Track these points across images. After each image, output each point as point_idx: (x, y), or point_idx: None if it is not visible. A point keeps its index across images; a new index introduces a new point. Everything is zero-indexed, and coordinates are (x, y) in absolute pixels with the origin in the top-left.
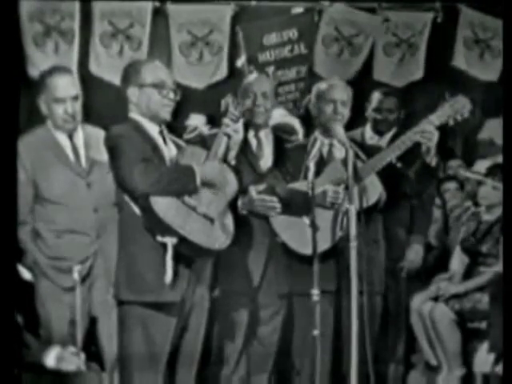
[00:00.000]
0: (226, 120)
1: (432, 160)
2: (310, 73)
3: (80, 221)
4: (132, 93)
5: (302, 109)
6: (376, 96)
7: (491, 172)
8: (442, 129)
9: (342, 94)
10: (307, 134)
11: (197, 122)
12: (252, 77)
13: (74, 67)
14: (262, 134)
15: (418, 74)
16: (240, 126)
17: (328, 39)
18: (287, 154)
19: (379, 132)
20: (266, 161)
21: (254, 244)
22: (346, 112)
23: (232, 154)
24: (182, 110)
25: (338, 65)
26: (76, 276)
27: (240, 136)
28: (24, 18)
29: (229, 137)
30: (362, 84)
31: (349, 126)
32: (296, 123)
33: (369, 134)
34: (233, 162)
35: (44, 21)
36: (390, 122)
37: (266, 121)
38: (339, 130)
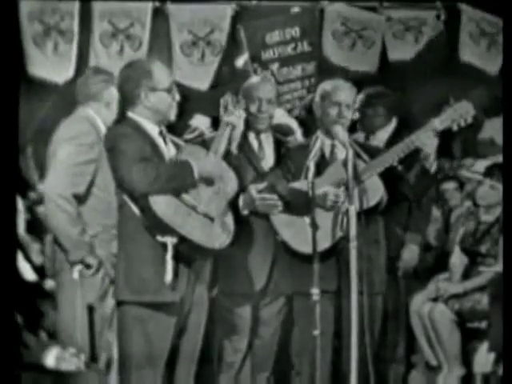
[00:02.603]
0: (225, 117)
1: (431, 166)
2: (317, 70)
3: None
4: (144, 96)
5: (302, 110)
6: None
7: (490, 172)
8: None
9: (348, 96)
10: (306, 133)
11: (200, 122)
12: (256, 80)
13: (73, 66)
14: (263, 135)
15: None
16: (242, 113)
17: (338, 34)
18: (289, 154)
19: (370, 131)
20: (268, 161)
21: (257, 244)
22: (350, 115)
23: (234, 144)
24: (185, 110)
25: (354, 56)
26: (76, 275)
27: (242, 125)
28: (24, 18)
29: (232, 127)
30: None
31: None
32: (293, 123)
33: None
34: (234, 151)
35: (44, 20)
36: (376, 125)
37: (268, 126)
38: (339, 130)
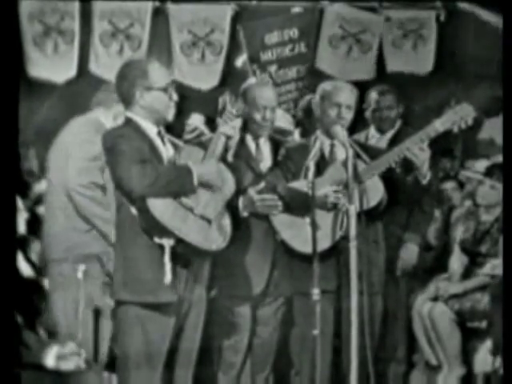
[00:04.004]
0: (222, 120)
1: (424, 178)
2: (309, 72)
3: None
4: (140, 95)
5: (300, 111)
6: (373, 96)
7: (490, 172)
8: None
9: (348, 97)
10: (304, 134)
11: (197, 121)
12: (258, 86)
13: (74, 67)
14: (261, 138)
15: (429, 65)
16: (238, 123)
17: (335, 39)
18: (288, 153)
19: (382, 131)
20: (266, 164)
21: (257, 246)
22: (350, 116)
23: (230, 153)
24: (183, 109)
25: (348, 64)
26: (80, 275)
27: (237, 135)
28: (24, 18)
29: (228, 137)
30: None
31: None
32: (290, 125)
33: (371, 133)
34: (230, 159)
35: (44, 21)
36: (392, 119)
37: (269, 132)
38: (338, 129)
